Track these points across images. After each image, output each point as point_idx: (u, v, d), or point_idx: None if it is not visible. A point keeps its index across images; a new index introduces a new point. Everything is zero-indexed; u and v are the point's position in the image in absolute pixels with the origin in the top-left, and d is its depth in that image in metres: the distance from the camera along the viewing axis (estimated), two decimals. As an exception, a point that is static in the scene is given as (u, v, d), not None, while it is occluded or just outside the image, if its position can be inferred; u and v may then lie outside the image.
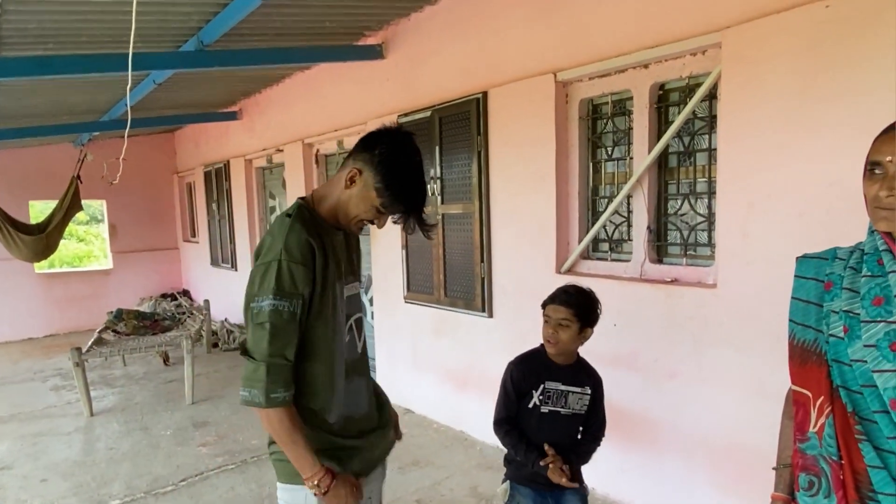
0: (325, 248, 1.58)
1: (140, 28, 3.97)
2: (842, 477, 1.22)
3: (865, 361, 1.19)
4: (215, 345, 7.53)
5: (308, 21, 4.29)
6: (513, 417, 2.15)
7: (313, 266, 1.52)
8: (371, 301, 5.48)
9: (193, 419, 4.99)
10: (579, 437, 2.20)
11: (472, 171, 4.00)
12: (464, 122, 4.03)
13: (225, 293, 8.18)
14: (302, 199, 1.68)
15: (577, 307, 2.08)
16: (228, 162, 7.77)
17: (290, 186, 6.41)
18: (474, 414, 4.23)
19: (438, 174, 4.28)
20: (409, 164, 1.58)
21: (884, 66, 2.17)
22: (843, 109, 2.28)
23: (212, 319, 7.71)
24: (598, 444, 2.21)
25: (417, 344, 4.77)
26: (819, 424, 1.27)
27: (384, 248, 5.03)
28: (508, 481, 2.20)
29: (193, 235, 9.72)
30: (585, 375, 2.18)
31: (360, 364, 1.74)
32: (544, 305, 2.14)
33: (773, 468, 1.48)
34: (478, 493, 3.52)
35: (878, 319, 1.19)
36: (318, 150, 6.07)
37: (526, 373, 2.14)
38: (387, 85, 4.76)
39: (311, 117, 5.85)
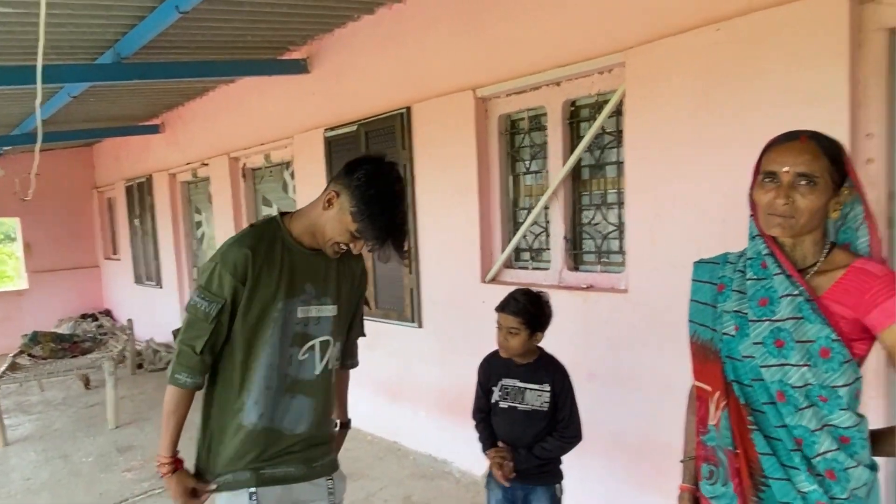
0: (276, 265, 1.63)
1: (53, 40, 3.84)
2: (737, 465, 1.32)
3: (754, 357, 1.30)
4: (140, 366, 7.25)
5: (229, 35, 4.26)
6: (483, 411, 2.30)
7: (244, 279, 1.59)
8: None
9: (117, 444, 4.81)
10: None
11: (398, 184, 4.06)
12: (389, 136, 4.10)
13: (150, 312, 7.90)
14: (282, 213, 1.75)
15: (525, 315, 2.16)
16: (151, 176, 7.53)
17: (216, 201, 6.29)
18: (407, 424, 4.28)
19: (366, 187, 4.31)
20: (386, 192, 1.59)
21: (769, 85, 2.37)
22: (735, 125, 2.48)
23: (136, 339, 7.42)
24: (567, 443, 2.23)
25: (350, 356, 4.76)
26: (717, 417, 1.37)
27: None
28: (488, 469, 2.28)
29: (115, 252, 9.35)
30: (545, 373, 2.24)
31: (312, 387, 1.74)
32: (496, 311, 2.22)
33: (681, 461, 1.58)
34: (412, 502, 3.56)
35: (764, 319, 1.30)
36: (244, 164, 5.99)
37: (487, 371, 2.29)
38: (313, 99, 4.77)
39: (236, 131, 5.77)
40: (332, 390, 1.83)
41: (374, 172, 1.60)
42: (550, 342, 3.24)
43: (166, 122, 7.09)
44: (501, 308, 2.19)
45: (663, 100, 2.70)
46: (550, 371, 2.26)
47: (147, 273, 8.03)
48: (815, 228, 1.31)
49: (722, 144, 2.52)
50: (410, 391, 4.24)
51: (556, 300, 3.21)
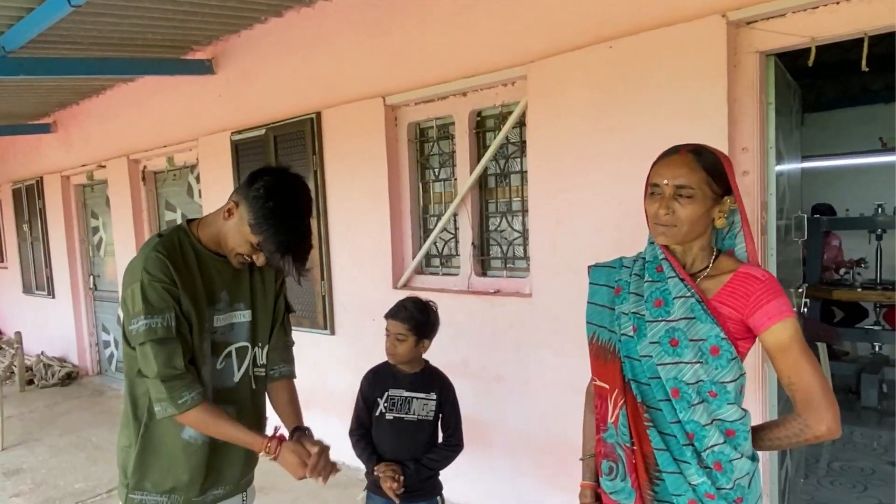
0: (192, 272, 1.60)
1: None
2: (634, 461, 1.39)
3: (651, 356, 1.37)
4: (30, 382, 6.73)
5: (128, 31, 4.05)
6: (364, 426, 2.25)
7: (174, 283, 1.55)
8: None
9: (4, 467, 4.45)
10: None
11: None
12: (299, 141, 4.03)
13: (41, 324, 7.37)
14: (189, 220, 1.70)
15: (412, 322, 2.20)
16: (42, 178, 7.02)
17: (115, 205, 5.96)
18: (320, 432, 4.19)
19: (275, 193, 4.23)
20: (286, 205, 1.55)
21: (656, 101, 2.53)
22: (626, 138, 2.62)
23: (25, 354, 6.89)
24: (452, 452, 2.28)
25: (260, 366, 4.64)
26: (615, 415, 1.44)
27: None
28: (366, 491, 2.27)
29: (1, 260, 8.65)
30: (431, 382, 2.29)
31: (233, 394, 1.71)
32: (386, 318, 2.24)
33: (580, 459, 1.64)
34: (324, 512, 3.52)
35: (660, 319, 1.37)
36: (145, 167, 5.71)
37: (373, 383, 2.27)
38: (219, 101, 4.62)
39: (136, 132, 5.49)
40: (259, 398, 1.81)
41: (275, 184, 1.56)
42: (460, 346, 3.32)
43: (59, 121, 6.64)
44: (391, 315, 2.24)
45: (562, 112, 2.81)
46: (436, 381, 2.31)
47: (37, 282, 7.48)
48: (699, 235, 1.40)
49: (615, 156, 2.66)
50: (323, 399, 4.18)
51: (466, 305, 3.31)
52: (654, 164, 1.43)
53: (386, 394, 2.23)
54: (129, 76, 5.15)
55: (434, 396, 2.27)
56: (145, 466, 1.66)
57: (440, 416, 2.29)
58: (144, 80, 5.22)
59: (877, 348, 5.25)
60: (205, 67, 4.54)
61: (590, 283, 1.58)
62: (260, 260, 1.61)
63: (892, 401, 4.85)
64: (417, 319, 2.21)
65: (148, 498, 1.67)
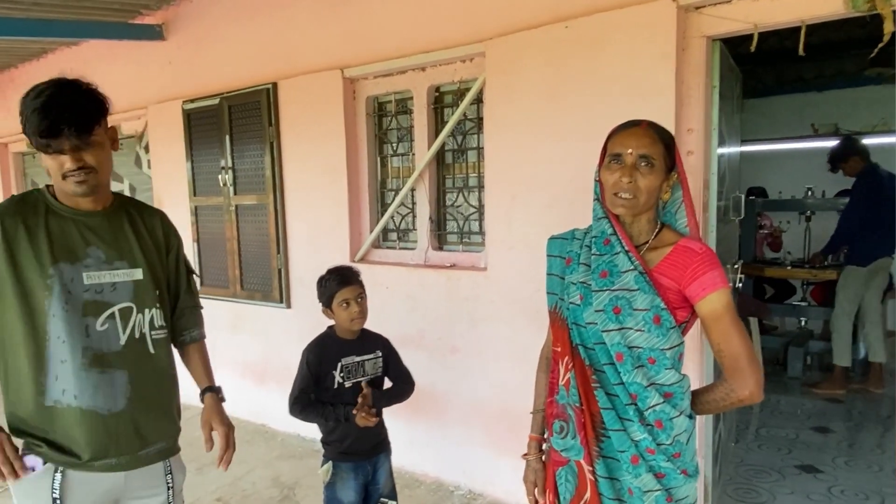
0: (38, 229, 1.54)
1: None
2: (583, 420, 1.48)
3: (596, 324, 1.45)
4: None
5: (72, -8, 3.90)
6: (308, 395, 2.25)
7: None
8: (159, 298, 5.15)
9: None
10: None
11: (265, 162, 3.97)
12: (255, 111, 3.98)
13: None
14: (49, 184, 1.64)
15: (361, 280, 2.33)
16: (-24, 146, 6.67)
17: (57, 175, 5.73)
18: (275, 406, 4.21)
19: (230, 164, 4.18)
20: (29, 94, 1.49)
21: (608, 80, 2.62)
22: (579, 116, 2.71)
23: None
24: (409, 388, 2.40)
25: (214, 340, 4.53)
26: (566, 378, 1.52)
27: (172, 242, 4.76)
28: (329, 461, 2.30)
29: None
30: (371, 342, 2.37)
31: (122, 359, 1.63)
32: (340, 287, 2.25)
33: (530, 412, 1.74)
34: (280, 482, 3.56)
35: (605, 289, 1.46)
36: (90, 136, 5.50)
37: (322, 356, 2.26)
38: (169, 68, 4.49)
39: (80, 99, 5.28)
40: (161, 363, 1.72)
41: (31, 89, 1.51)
42: (416, 319, 3.39)
43: (-6, 84, 6.30)
44: (345, 283, 2.27)
45: (518, 89, 2.88)
46: (376, 339, 2.40)
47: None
48: (650, 208, 1.48)
49: (568, 133, 2.75)
50: (278, 372, 4.19)
51: (423, 279, 3.38)
52: (613, 135, 1.50)
53: (339, 364, 2.26)
54: (74, 39, 4.93)
55: (380, 354, 2.36)
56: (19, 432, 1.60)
57: (387, 369, 2.39)
58: (89, 43, 5.00)
59: (803, 323, 5.59)
60: (154, 33, 4.40)
61: (547, 255, 1.65)
62: (59, 165, 1.52)
63: (815, 372, 5.20)
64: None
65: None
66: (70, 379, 1.56)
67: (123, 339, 1.64)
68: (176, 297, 1.84)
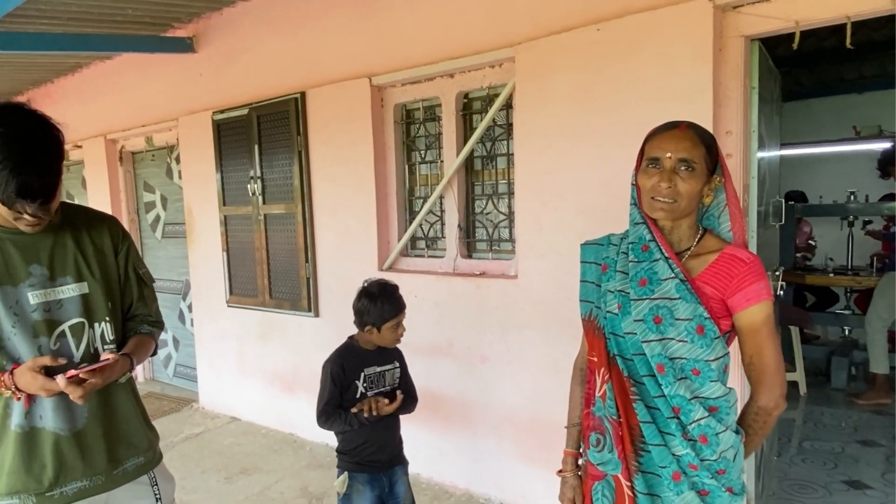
0: None
1: None
2: (621, 433, 1.42)
3: (636, 333, 1.40)
4: None
5: (108, 7, 3.96)
6: (335, 405, 2.26)
7: None
8: (190, 307, 5.20)
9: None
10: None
11: (293, 171, 3.98)
12: (283, 121, 4.00)
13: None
14: None
15: None
16: (15, 158, 6.85)
17: (91, 185, 5.85)
18: (303, 415, 4.22)
19: (259, 174, 4.20)
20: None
21: (643, 83, 2.55)
22: (612, 120, 2.65)
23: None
24: (414, 403, 2.41)
25: (243, 349, 4.63)
26: (602, 389, 1.47)
27: (203, 252, 4.81)
28: (346, 472, 2.29)
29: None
30: (389, 352, 2.38)
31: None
32: (398, 313, 2.27)
33: (565, 427, 1.68)
34: (308, 492, 3.53)
35: (644, 297, 1.40)
36: (123, 147, 5.61)
37: (346, 366, 2.26)
38: (200, 80, 4.55)
39: (114, 111, 5.38)
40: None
41: None
42: (444, 328, 3.35)
43: (32, 99, 6.46)
44: (402, 308, 2.30)
45: (549, 94, 2.83)
46: (391, 349, 2.40)
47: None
48: (691, 212, 1.42)
49: (601, 137, 2.69)
50: (306, 381, 4.18)
51: (452, 287, 3.33)
52: (651, 138, 1.44)
53: (362, 374, 2.27)
54: (107, 53, 5.04)
55: (397, 364, 2.39)
56: None
57: (402, 380, 2.41)
58: (123, 57, 5.11)
59: (847, 332, 5.40)
60: (186, 45, 4.46)
61: (581, 262, 1.59)
62: (18, 215, 1.44)
63: (860, 383, 5.00)
64: None
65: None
66: (32, 401, 1.53)
67: (78, 356, 1.60)
68: (129, 305, 1.75)
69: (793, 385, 4.82)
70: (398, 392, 2.27)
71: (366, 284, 2.32)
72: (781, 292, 3.02)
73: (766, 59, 2.68)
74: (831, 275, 5.08)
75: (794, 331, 4.74)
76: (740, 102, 2.45)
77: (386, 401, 2.22)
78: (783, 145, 3.92)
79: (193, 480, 3.71)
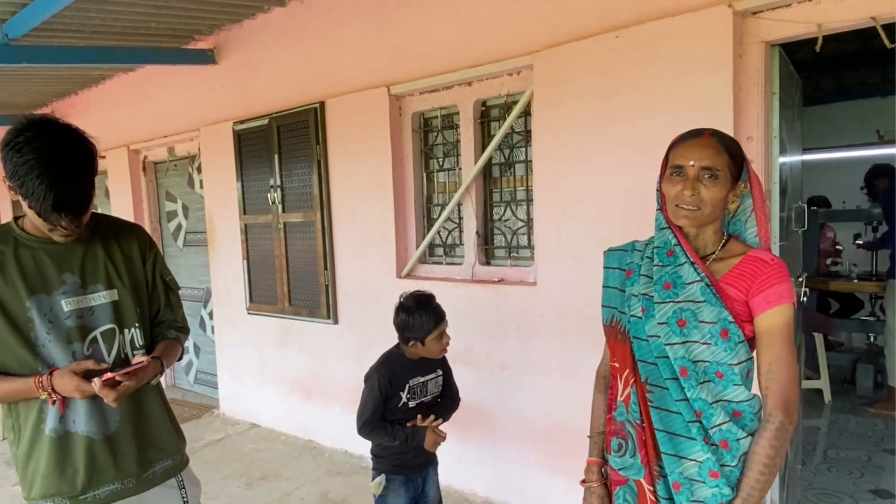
0: (9, 263, 1.54)
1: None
2: (644, 437, 1.43)
3: (659, 336, 1.40)
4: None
5: (131, 20, 4.04)
6: (378, 415, 2.26)
7: None
8: (210, 314, 5.26)
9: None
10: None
11: (312, 179, 4.02)
12: (302, 130, 4.04)
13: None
14: (17, 216, 1.63)
15: None
16: (40, 169, 6.99)
17: (114, 195, 5.95)
18: (322, 421, 4.25)
19: (279, 183, 4.25)
20: (26, 149, 1.40)
21: (662, 89, 2.55)
22: (631, 127, 2.65)
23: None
24: (456, 404, 2.45)
25: (263, 356, 4.67)
26: (625, 393, 1.48)
27: (224, 260, 4.86)
28: (382, 474, 2.30)
29: None
30: (431, 360, 2.36)
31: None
32: (439, 324, 2.28)
33: (588, 437, 1.67)
34: (328, 499, 3.55)
35: (668, 300, 1.41)
36: (145, 157, 5.71)
37: (391, 376, 2.25)
38: (220, 91, 4.61)
39: (137, 122, 5.48)
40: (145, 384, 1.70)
41: (15, 134, 1.43)
42: (463, 335, 3.35)
43: (56, 110, 6.60)
44: (443, 317, 2.30)
45: (568, 101, 2.83)
46: (435, 359, 2.39)
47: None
48: (716, 219, 1.42)
49: (620, 144, 2.69)
50: (325, 388, 4.21)
51: (470, 294, 3.33)
52: (674, 146, 1.45)
53: (407, 385, 2.27)
54: (130, 65, 5.14)
55: (440, 372, 2.38)
56: (30, 475, 1.60)
57: (446, 386, 2.43)
58: (145, 69, 5.21)
59: (872, 339, 5.31)
60: (207, 57, 4.53)
61: (604, 267, 1.60)
62: (55, 226, 1.49)
63: (886, 390, 4.90)
64: None
65: None
66: (67, 406, 1.57)
67: (109, 361, 1.64)
68: (156, 311, 1.80)
69: (817, 393, 4.75)
70: (439, 420, 2.31)
71: (402, 299, 2.30)
72: (805, 299, 2.98)
73: (787, 64, 2.66)
74: (855, 281, 5.00)
75: (818, 338, 4.67)
76: (761, 108, 2.44)
77: (440, 420, 2.27)
78: (805, 150, 3.88)
79: (214, 486, 3.74)
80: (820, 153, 6.27)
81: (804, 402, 4.19)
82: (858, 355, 5.10)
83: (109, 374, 1.49)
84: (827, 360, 4.73)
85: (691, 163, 1.38)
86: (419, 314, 2.23)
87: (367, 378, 2.29)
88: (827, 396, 4.72)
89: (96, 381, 1.47)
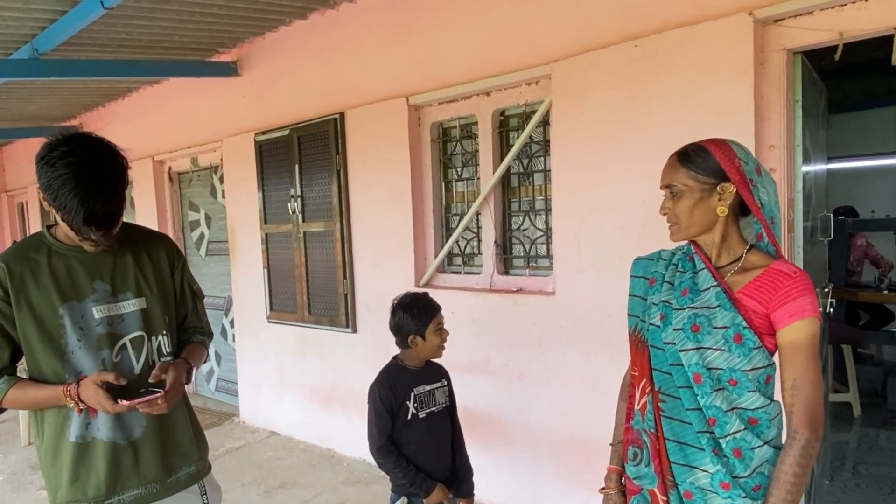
0: (42, 271, 1.57)
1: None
2: (658, 447, 1.42)
3: (675, 343, 1.39)
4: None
5: (156, 34, 4.13)
6: (391, 437, 2.17)
7: (4, 294, 1.55)
8: (231, 323, 5.31)
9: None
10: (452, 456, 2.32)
11: (332, 189, 4.06)
12: (322, 141, 4.08)
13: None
14: (49, 226, 1.67)
15: None
16: (69, 179, 7.14)
17: (139, 205, 6.06)
18: (341, 430, 4.25)
19: (299, 192, 4.29)
20: (60, 164, 1.44)
21: (682, 98, 2.53)
22: (651, 136, 2.63)
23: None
24: (471, 473, 2.36)
25: (282, 364, 4.70)
26: (642, 402, 1.47)
27: (244, 269, 4.92)
28: (403, 497, 2.21)
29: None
30: (436, 370, 2.33)
31: (136, 387, 1.62)
32: (436, 313, 2.22)
33: (610, 444, 1.66)
34: (346, 508, 3.55)
35: (685, 306, 1.40)
36: (170, 168, 5.81)
37: (393, 389, 2.18)
38: (243, 102, 4.69)
39: (161, 133, 5.59)
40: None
41: (50, 149, 1.47)
42: (481, 345, 3.33)
43: (84, 123, 6.76)
44: (438, 307, 2.25)
45: (587, 111, 2.82)
46: (437, 367, 2.35)
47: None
48: (705, 228, 1.42)
49: (640, 154, 2.66)
50: (344, 397, 4.22)
51: (489, 303, 3.32)
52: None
53: (412, 394, 2.20)
54: (156, 78, 5.25)
55: (445, 382, 2.33)
56: (54, 480, 1.63)
57: (452, 399, 2.36)
58: (170, 82, 5.32)
59: (903, 352, 5.18)
60: (230, 69, 4.61)
61: (630, 276, 1.60)
62: (86, 238, 1.52)
63: (918, 405, 4.77)
64: None
65: None
66: (94, 414, 1.60)
67: (138, 368, 1.68)
68: (183, 318, 1.85)
69: (846, 406, 4.63)
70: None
71: (395, 301, 2.29)
72: (831, 310, 2.92)
73: (810, 72, 2.62)
74: (885, 291, 4.88)
75: (847, 350, 4.56)
76: (783, 116, 2.40)
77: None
78: (832, 159, 3.81)
79: (234, 493, 3.76)
80: (849, 161, 6.16)
81: (832, 416, 4.09)
82: (890, 368, 4.97)
83: (126, 403, 1.51)
84: (856, 373, 4.62)
85: (661, 184, 1.47)
86: (415, 308, 2.21)
87: (369, 393, 2.23)
88: (856, 410, 4.60)
89: (122, 404, 1.50)
